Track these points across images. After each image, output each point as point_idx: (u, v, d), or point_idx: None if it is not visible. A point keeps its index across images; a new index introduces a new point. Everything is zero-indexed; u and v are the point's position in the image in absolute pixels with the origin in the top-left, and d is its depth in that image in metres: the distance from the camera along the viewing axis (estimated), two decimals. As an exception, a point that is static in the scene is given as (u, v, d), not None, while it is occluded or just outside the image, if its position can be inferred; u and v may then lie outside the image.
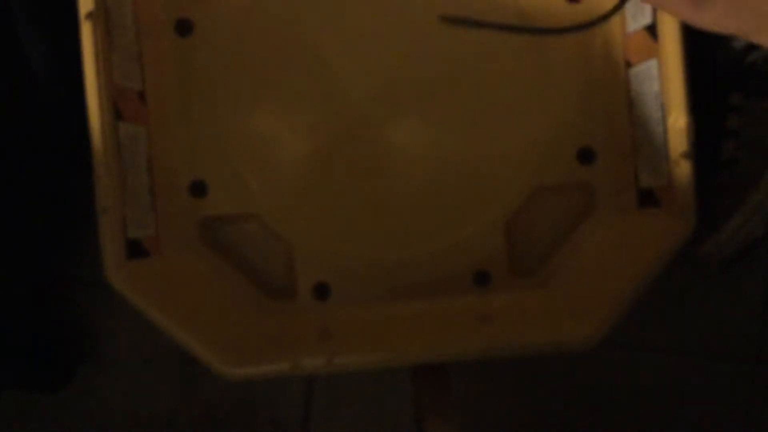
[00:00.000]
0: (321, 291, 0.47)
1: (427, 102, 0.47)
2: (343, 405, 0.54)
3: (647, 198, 0.44)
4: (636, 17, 0.43)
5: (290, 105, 0.47)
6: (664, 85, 0.40)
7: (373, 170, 0.47)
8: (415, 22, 0.46)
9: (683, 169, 0.39)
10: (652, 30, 0.42)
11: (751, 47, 0.47)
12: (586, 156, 0.47)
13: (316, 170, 0.47)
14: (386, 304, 0.46)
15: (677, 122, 0.40)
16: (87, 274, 0.52)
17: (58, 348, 0.53)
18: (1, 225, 0.47)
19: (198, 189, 0.47)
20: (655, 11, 0.41)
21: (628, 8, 0.44)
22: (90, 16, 0.39)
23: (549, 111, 0.46)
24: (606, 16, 0.38)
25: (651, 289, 0.52)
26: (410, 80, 0.46)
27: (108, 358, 0.54)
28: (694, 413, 0.54)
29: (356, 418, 0.54)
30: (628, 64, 0.45)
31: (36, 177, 0.49)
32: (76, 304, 0.54)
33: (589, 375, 0.54)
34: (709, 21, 0.32)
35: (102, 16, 0.40)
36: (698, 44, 0.47)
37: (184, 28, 0.46)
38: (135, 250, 0.42)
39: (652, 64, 0.42)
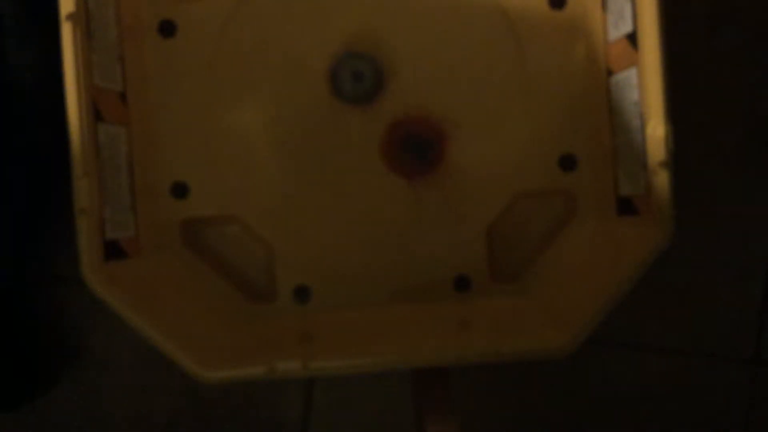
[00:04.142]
0: (301, 294, 0.47)
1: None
2: (343, 405, 0.54)
3: (626, 206, 0.44)
4: (617, 25, 0.43)
5: (273, 108, 0.47)
6: (643, 93, 0.40)
7: (355, 174, 0.47)
8: (398, 26, 0.46)
9: (661, 178, 0.39)
10: (632, 38, 0.42)
11: None
12: (567, 163, 0.47)
13: (298, 174, 0.47)
14: (366, 309, 0.46)
15: (655, 131, 0.40)
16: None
17: (38, 353, 0.53)
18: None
19: (179, 190, 0.46)
20: (636, 19, 0.41)
21: (610, 16, 0.45)
22: (71, 16, 0.39)
23: (531, 117, 0.46)
24: None
25: (651, 289, 0.53)
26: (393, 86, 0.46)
27: (108, 359, 0.54)
28: (693, 413, 0.54)
29: (356, 418, 0.54)
30: (609, 72, 0.45)
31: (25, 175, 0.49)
32: (75, 304, 0.54)
33: (589, 375, 0.54)
34: None
35: (83, 16, 0.40)
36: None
37: (167, 29, 0.46)
38: (113, 251, 0.42)
39: (632, 72, 0.42)
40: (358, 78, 0.46)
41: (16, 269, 0.52)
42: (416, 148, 0.46)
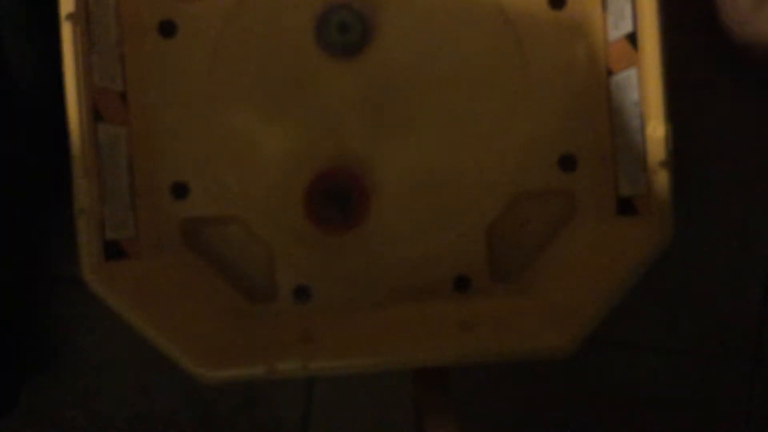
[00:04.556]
0: (301, 294, 0.47)
1: (409, 109, 0.47)
2: (343, 405, 0.54)
3: (626, 206, 0.44)
4: (618, 25, 0.43)
5: (272, 108, 0.47)
6: (643, 93, 0.40)
7: (355, 174, 0.47)
8: (398, 28, 0.46)
9: (661, 178, 0.39)
10: (632, 38, 0.42)
11: None
12: (567, 163, 0.47)
13: (297, 174, 0.47)
14: (366, 309, 0.46)
15: (655, 131, 0.40)
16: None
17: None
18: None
19: (179, 190, 0.46)
20: (636, 19, 0.41)
21: (610, 16, 0.45)
22: (70, 16, 0.39)
23: (531, 118, 0.46)
24: None
25: (651, 289, 0.53)
26: (392, 87, 0.46)
27: (107, 359, 0.54)
28: (693, 413, 0.54)
29: (356, 418, 0.54)
30: (609, 73, 0.45)
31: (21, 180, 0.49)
32: (75, 304, 0.54)
33: (589, 375, 0.54)
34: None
35: (83, 16, 0.40)
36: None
37: (167, 29, 0.46)
38: (113, 251, 0.42)
39: (632, 72, 0.42)
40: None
41: (16, 269, 0.52)
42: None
